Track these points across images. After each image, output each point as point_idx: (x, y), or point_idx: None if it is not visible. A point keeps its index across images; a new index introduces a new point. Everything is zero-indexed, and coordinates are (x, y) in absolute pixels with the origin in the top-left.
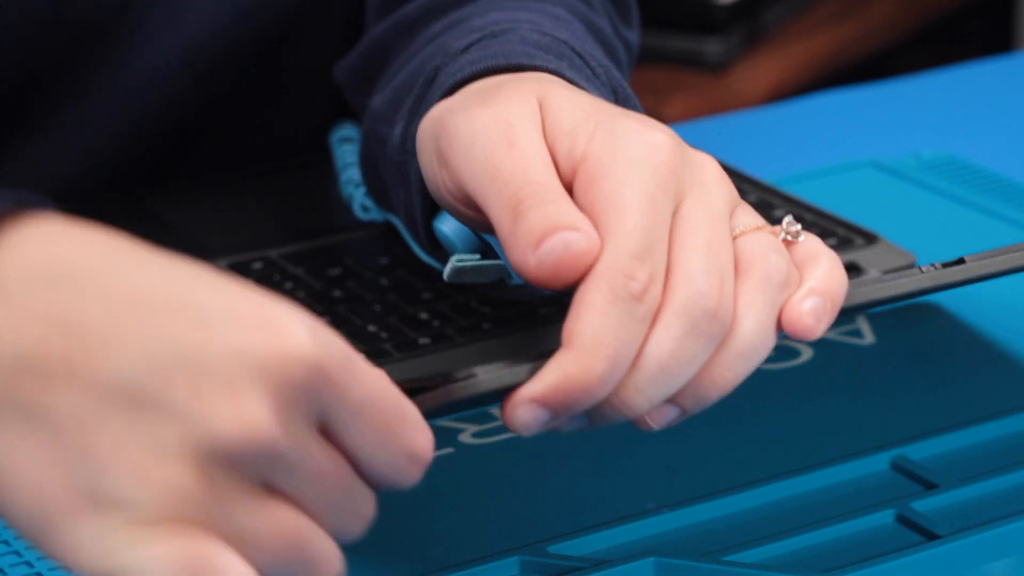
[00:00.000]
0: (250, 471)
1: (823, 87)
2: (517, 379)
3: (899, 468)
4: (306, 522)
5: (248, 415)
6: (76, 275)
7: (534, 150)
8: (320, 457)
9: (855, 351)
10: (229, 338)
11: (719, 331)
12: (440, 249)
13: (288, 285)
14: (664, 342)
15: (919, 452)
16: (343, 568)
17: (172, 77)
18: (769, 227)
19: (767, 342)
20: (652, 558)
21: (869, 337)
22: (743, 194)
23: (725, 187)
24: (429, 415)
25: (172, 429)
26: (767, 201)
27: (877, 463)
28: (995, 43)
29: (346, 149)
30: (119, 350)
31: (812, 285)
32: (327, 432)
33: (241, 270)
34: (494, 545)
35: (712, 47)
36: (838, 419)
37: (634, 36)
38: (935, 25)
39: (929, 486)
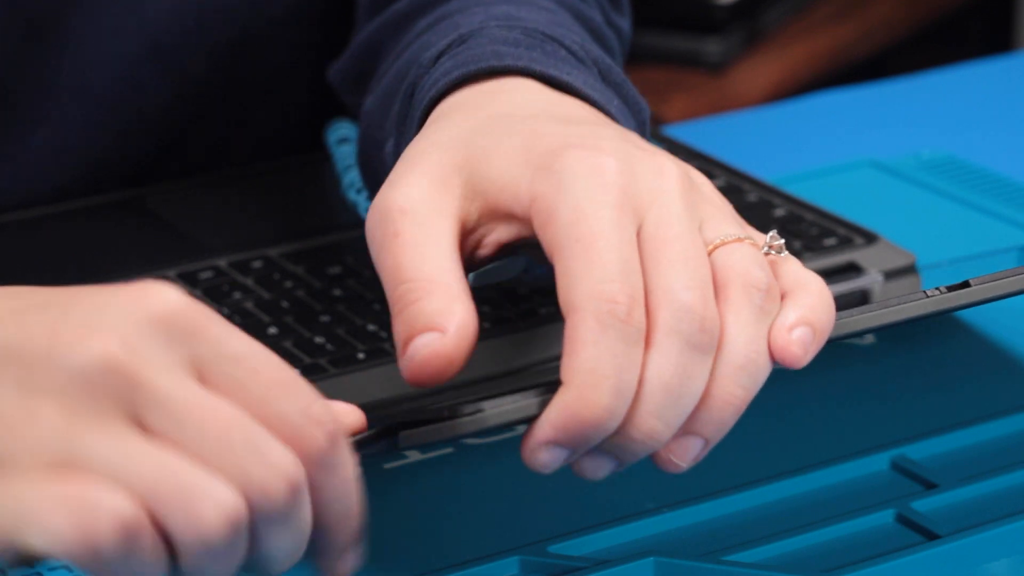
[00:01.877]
0: (115, 397)
1: (823, 87)
2: (523, 414)
3: (899, 468)
4: (187, 463)
5: (99, 345)
6: None
7: (415, 239)
8: (195, 396)
9: (855, 351)
10: (93, 297)
11: (710, 344)
12: None
13: (288, 284)
14: (662, 364)
15: (919, 452)
16: (233, 506)
17: (141, 70)
18: (750, 238)
19: (764, 354)
20: (652, 558)
21: (869, 337)
22: (743, 193)
23: (688, 192)
24: (431, 445)
25: (34, 371)
26: (767, 200)
27: (877, 463)
28: (995, 43)
29: (345, 151)
30: None
31: (801, 313)
32: (209, 382)
33: (241, 269)
34: (494, 545)
35: (712, 47)
36: (838, 419)
37: (626, 24)
38: (935, 25)
39: (929, 486)
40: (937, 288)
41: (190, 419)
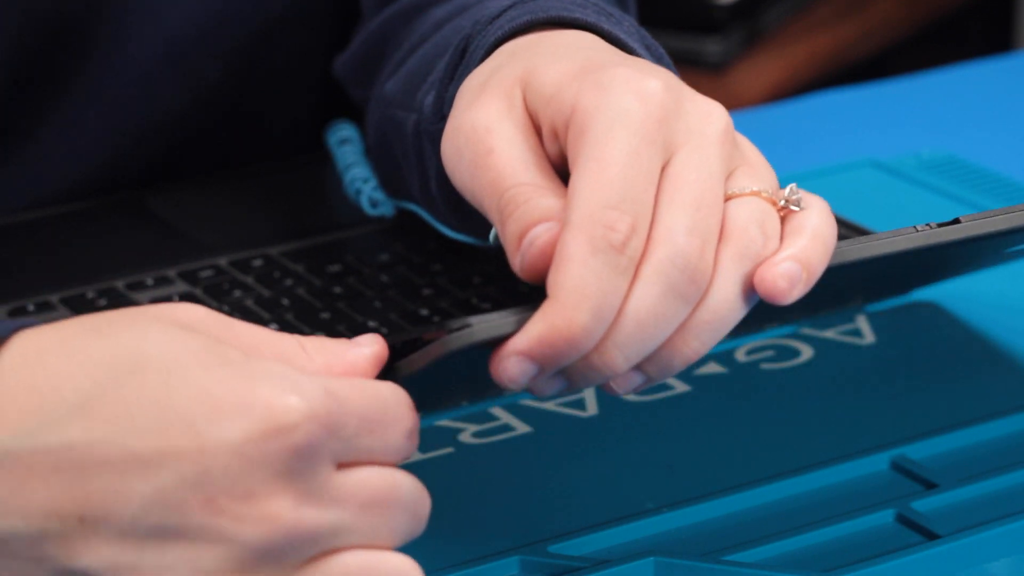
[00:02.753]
0: (297, 552)
1: (823, 87)
2: (510, 328)
3: (899, 468)
4: (371, 554)
5: (268, 512)
6: (66, 411)
7: (509, 153)
8: (352, 492)
9: (855, 351)
10: (219, 434)
11: (695, 294)
12: (466, 223)
13: (288, 282)
14: (643, 299)
15: (919, 452)
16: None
17: (157, 75)
18: (768, 192)
19: (734, 314)
20: (652, 558)
21: (869, 337)
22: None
23: (726, 143)
24: (427, 370)
25: (205, 551)
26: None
27: (877, 463)
28: (995, 43)
29: (346, 150)
30: (118, 484)
31: (791, 252)
32: (347, 463)
33: (241, 267)
34: (494, 545)
35: (712, 47)
36: (838, 419)
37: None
38: (935, 25)
39: (929, 486)
40: (927, 224)
41: (357, 524)
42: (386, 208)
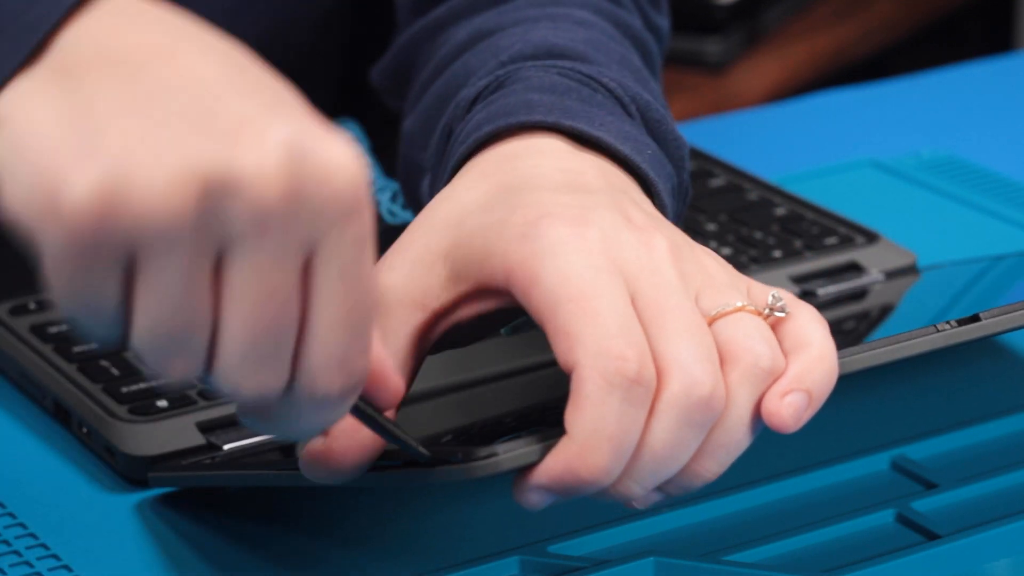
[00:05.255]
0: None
1: (823, 87)
2: (530, 459)
3: (899, 468)
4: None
5: (264, 148)
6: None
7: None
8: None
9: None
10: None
11: (711, 419)
12: None
13: None
14: (659, 433)
15: (919, 452)
16: None
17: None
18: (752, 306)
19: (749, 435)
20: (652, 558)
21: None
22: (743, 193)
23: (680, 264)
24: (445, 485)
25: (193, 143)
26: (768, 200)
27: (877, 463)
28: (995, 43)
29: None
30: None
31: (795, 373)
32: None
33: None
34: (494, 545)
35: (712, 47)
36: (838, 419)
37: (665, 22)
38: (935, 25)
39: (929, 486)
40: (947, 322)
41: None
42: (409, 216)
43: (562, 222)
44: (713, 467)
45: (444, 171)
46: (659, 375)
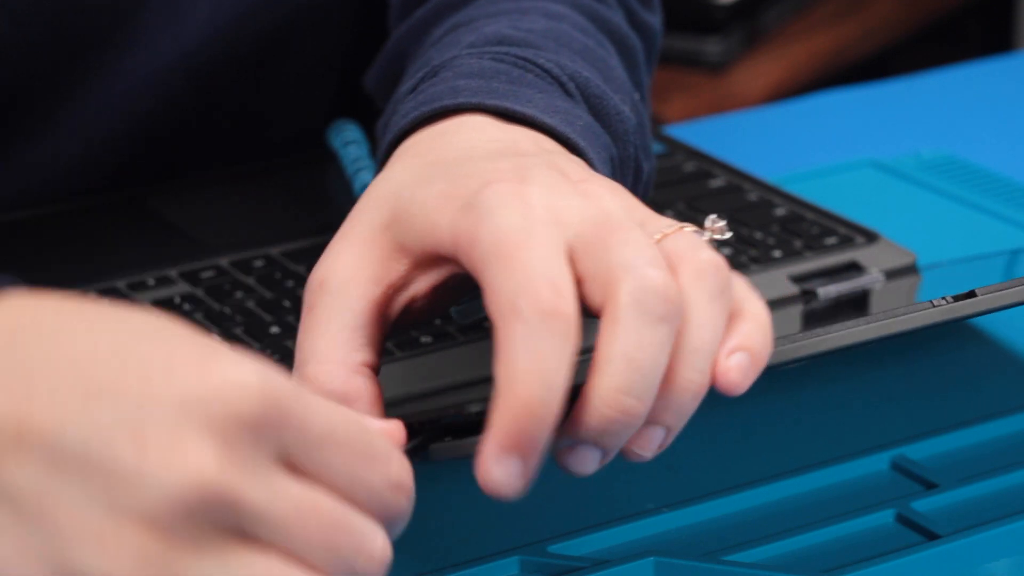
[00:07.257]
0: (214, 521)
1: (823, 87)
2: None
3: (899, 468)
4: (296, 570)
5: (193, 463)
6: (24, 340)
7: (323, 315)
8: (294, 496)
9: (855, 351)
10: (169, 387)
11: (673, 313)
12: None
13: (290, 283)
14: (626, 339)
15: (919, 452)
16: None
17: (170, 81)
18: (691, 226)
19: (718, 333)
20: (652, 558)
21: None
22: (743, 193)
23: (619, 201)
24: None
25: (124, 491)
26: (768, 200)
27: (877, 463)
28: (995, 43)
29: (352, 152)
30: (62, 410)
31: (739, 340)
32: (300, 471)
33: (242, 268)
34: (494, 545)
35: (712, 47)
36: (838, 419)
37: (655, 20)
38: (935, 25)
39: (929, 486)
40: (943, 298)
41: (290, 527)
42: None
43: (505, 186)
44: (695, 376)
45: (376, 162)
46: (611, 285)
